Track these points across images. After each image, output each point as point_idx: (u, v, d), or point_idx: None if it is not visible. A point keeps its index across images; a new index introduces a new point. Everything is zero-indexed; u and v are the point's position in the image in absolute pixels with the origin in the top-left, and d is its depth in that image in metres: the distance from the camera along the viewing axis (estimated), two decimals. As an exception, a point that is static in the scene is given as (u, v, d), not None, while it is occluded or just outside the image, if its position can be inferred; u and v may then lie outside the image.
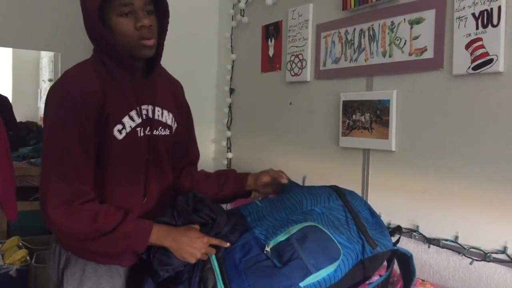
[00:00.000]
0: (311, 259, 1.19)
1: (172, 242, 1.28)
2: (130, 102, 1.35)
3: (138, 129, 1.37)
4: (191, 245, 1.27)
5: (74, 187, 1.25)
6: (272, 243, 1.23)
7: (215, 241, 1.29)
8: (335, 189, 1.41)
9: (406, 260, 1.36)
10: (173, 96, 1.53)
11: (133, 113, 1.35)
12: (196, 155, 1.70)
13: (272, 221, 1.31)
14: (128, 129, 1.34)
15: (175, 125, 1.51)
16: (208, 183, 1.59)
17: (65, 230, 1.26)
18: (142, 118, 1.37)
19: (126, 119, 1.34)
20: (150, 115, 1.40)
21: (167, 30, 1.41)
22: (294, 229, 1.23)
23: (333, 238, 1.22)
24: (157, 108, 1.42)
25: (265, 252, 1.22)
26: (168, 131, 1.48)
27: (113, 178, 1.36)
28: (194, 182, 1.60)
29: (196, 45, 3.18)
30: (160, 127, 1.44)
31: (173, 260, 1.29)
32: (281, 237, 1.23)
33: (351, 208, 1.32)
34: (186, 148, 1.63)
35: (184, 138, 1.61)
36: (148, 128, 1.40)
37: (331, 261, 1.19)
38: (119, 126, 1.32)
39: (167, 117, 1.47)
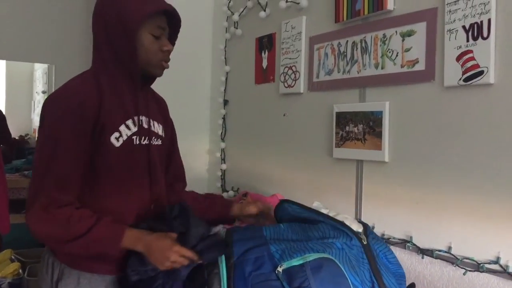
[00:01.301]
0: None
1: (144, 247, 1.30)
2: (128, 111, 1.41)
3: (134, 137, 1.41)
4: (161, 252, 1.29)
5: (52, 196, 1.28)
6: (285, 265, 1.23)
7: (187, 253, 1.30)
8: (363, 226, 1.42)
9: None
10: (160, 110, 1.60)
11: (129, 122, 1.40)
12: (181, 170, 1.74)
13: (290, 243, 1.31)
14: (125, 137, 1.39)
15: (164, 135, 1.57)
16: (194, 204, 1.60)
17: (41, 235, 1.30)
18: (138, 127, 1.42)
19: (122, 128, 1.38)
20: (145, 125, 1.46)
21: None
22: (311, 257, 1.23)
23: (347, 276, 1.22)
24: (151, 119, 1.49)
25: (276, 272, 1.21)
26: (161, 141, 1.54)
27: (112, 186, 1.39)
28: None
29: (190, 57, 3.20)
30: (154, 137, 1.50)
31: (145, 264, 1.29)
32: (296, 262, 1.23)
33: (370, 251, 1.31)
34: (171, 162, 1.67)
35: (170, 152, 1.66)
36: (143, 138, 1.44)
37: None
38: (116, 134, 1.37)
39: (158, 128, 1.53)
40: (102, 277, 1.40)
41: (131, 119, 1.41)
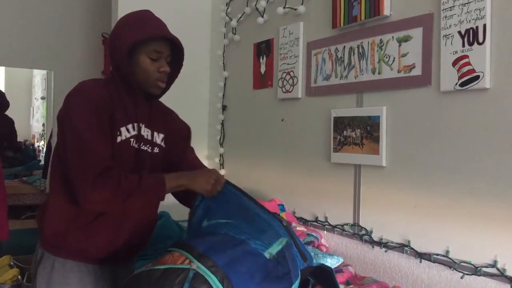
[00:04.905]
0: (292, 271, 1.30)
1: (187, 179, 1.50)
2: (130, 117, 1.57)
3: (132, 139, 1.56)
4: (203, 176, 1.51)
5: (102, 164, 1.42)
6: (271, 250, 1.30)
7: (222, 178, 1.53)
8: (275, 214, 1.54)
9: (329, 276, 1.46)
10: (165, 122, 1.71)
11: (129, 126, 1.56)
12: (194, 164, 1.77)
13: (262, 233, 1.37)
14: (124, 137, 1.53)
15: (164, 145, 1.67)
16: None
17: (102, 202, 1.42)
18: (136, 132, 1.57)
19: (123, 129, 1.54)
20: (143, 133, 1.60)
21: (176, 77, 1.69)
22: (283, 241, 1.35)
23: (295, 251, 1.39)
24: (147, 129, 1.61)
25: (269, 256, 1.28)
26: (158, 149, 1.65)
27: None
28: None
29: (189, 63, 3.17)
30: (148, 145, 1.61)
31: None
32: (277, 246, 1.33)
33: (289, 229, 1.45)
34: (184, 158, 1.74)
35: (179, 158, 1.72)
36: (141, 143, 1.59)
37: (298, 273, 1.35)
38: (117, 132, 1.53)
39: (157, 137, 1.65)
40: (76, 263, 1.53)
41: (131, 124, 1.56)
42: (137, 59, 1.54)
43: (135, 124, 1.57)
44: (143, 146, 1.59)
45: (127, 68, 1.53)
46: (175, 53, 1.63)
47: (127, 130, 1.54)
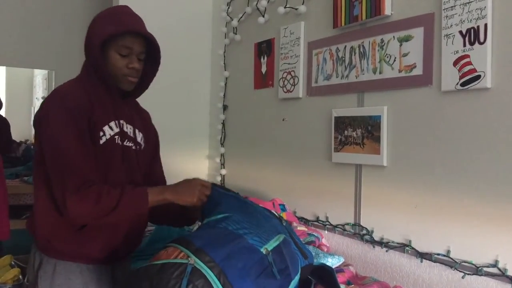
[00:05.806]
0: (291, 266, 1.32)
1: (171, 193, 1.47)
2: (109, 115, 1.55)
3: (116, 137, 1.55)
4: (187, 187, 1.48)
5: (81, 176, 1.41)
6: (268, 246, 1.31)
7: (207, 183, 1.51)
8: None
9: (329, 276, 1.46)
10: (142, 121, 1.72)
11: (112, 124, 1.55)
12: (160, 178, 1.79)
13: (261, 228, 1.38)
14: (108, 136, 1.53)
15: (144, 144, 1.69)
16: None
17: (81, 217, 1.42)
18: (119, 129, 1.57)
19: (106, 128, 1.53)
20: (126, 129, 1.60)
21: (154, 75, 1.65)
22: (281, 237, 1.36)
23: (294, 249, 1.41)
24: (129, 126, 1.62)
25: (266, 253, 1.29)
26: (139, 147, 1.66)
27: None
28: None
29: (190, 63, 3.21)
30: (132, 141, 1.62)
31: None
32: (274, 242, 1.33)
33: (287, 229, 1.47)
34: (152, 170, 1.75)
35: (151, 160, 1.75)
36: (125, 140, 1.59)
37: (298, 269, 1.36)
38: (100, 133, 1.51)
39: (137, 135, 1.65)
40: (77, 264, 1.53)
41: (113, 121, 1.55)
42: (108, 54, 1.53)
43: (116, 121, 1.56)
44: (127, 142, 1.59)
45: (100, 63, 1.52)
46: (152, 52, 1.60)
47: (110, 127, 1.54)
